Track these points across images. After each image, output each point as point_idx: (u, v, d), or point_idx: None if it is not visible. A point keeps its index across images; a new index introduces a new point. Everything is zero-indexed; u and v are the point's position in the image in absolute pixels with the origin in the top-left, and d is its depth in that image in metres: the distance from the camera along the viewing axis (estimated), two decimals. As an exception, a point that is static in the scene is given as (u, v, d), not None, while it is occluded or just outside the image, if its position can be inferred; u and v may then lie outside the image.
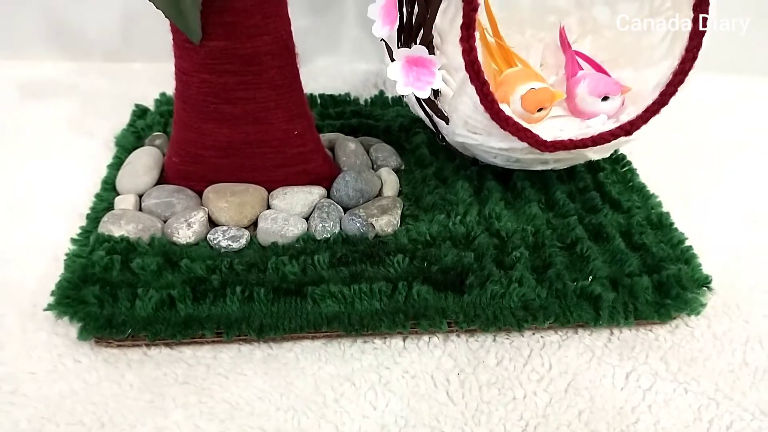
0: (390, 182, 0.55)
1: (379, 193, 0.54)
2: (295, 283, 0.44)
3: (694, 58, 0.42)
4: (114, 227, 0.47)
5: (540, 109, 0.43)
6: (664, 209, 0.54)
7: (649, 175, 0.58)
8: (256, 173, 0.52)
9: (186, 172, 0.52)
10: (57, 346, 0.43)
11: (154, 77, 0.73)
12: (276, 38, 0.47)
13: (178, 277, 0.44)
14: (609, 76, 0.47)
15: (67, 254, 0.46)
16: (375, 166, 0.57)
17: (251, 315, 0.43)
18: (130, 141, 0.58)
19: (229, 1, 0.43)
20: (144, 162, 0.53)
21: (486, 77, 0.41)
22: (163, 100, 0.67)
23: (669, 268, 0.47)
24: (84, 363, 0.42)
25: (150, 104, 0.68)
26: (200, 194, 0.52)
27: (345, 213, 0.51)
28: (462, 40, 0.40)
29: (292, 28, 0.48)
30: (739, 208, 0.59)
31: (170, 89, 0.52)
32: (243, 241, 0.48)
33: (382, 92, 0.70)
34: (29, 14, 0.75)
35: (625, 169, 0.59)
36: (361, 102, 0.69)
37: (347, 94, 0.69)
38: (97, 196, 0.52)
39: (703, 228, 0.56)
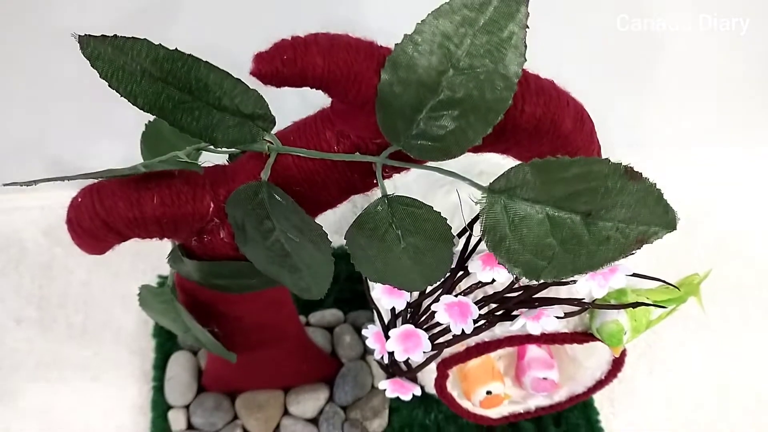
0: (379, 376, 0.70)
1: (372, 386, 0.70)
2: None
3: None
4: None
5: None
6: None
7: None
8: (274, 382, 0.67)
9: (218, 387, 0.67)
10: None
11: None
12: (291, 338, 0.58)
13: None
14: (551, 354, 0.60)
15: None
16: (367, 350, 0.71)
17: None
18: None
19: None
20: (184, 379, 0.67)
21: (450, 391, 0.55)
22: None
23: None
24: None
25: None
26: (230, 396, 0.67)
27: (345, 419, 0.67)
28: (436, 383, 0.53)
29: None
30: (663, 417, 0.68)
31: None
32: (271, 456, 0.65)
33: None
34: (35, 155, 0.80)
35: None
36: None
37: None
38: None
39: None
